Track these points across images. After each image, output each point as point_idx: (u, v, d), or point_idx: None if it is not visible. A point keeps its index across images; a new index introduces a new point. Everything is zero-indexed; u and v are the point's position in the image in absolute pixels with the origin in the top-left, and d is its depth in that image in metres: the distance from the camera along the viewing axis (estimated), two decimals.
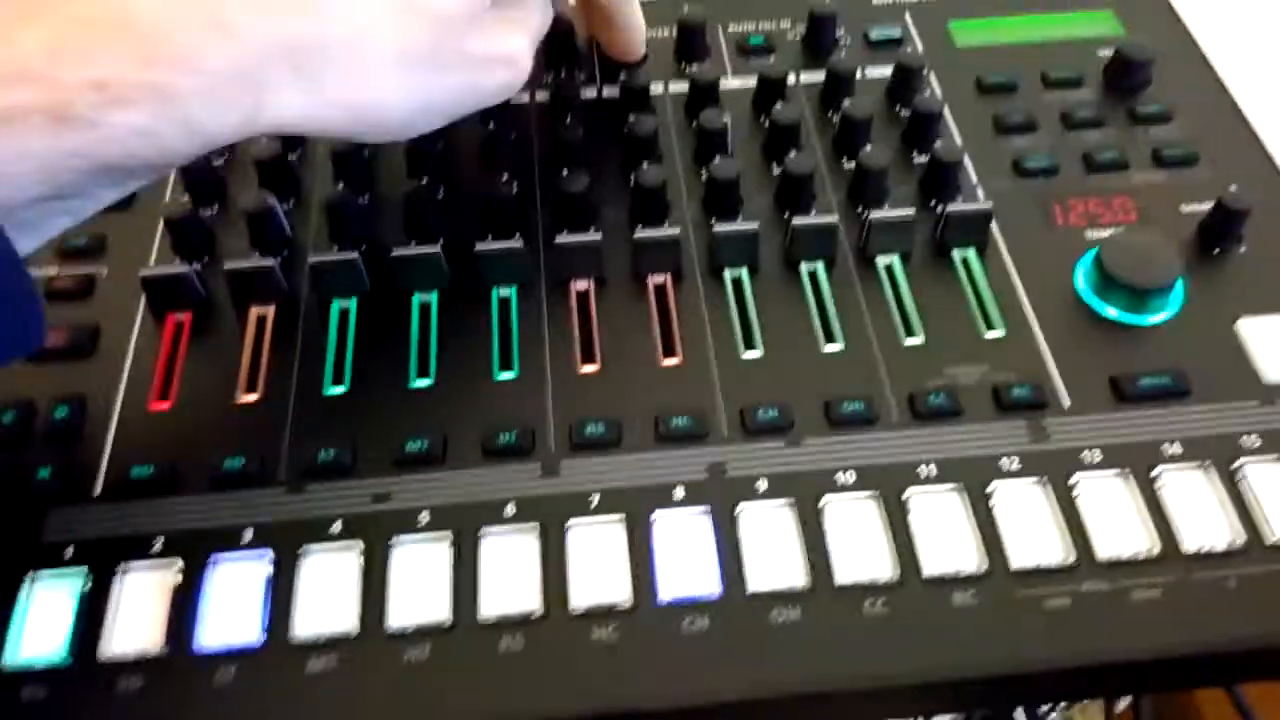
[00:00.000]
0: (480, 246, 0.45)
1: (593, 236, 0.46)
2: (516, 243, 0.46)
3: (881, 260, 0.47)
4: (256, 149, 0.49)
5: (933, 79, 0.55)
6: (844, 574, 0.37)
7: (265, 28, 0.34)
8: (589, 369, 0.44)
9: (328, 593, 0.38)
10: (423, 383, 0.43)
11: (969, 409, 0.42)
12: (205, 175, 0.50)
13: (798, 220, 0.46)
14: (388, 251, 0.46)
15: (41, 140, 0.31)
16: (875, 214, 0.46)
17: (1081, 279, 0.46)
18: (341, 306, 0.46)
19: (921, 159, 0.51)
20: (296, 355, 0.44)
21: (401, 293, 0.46)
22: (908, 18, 0.59)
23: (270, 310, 0.46)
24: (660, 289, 0.46)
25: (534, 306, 0.46)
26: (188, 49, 0.33)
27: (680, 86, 0.55)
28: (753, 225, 0.46)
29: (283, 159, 0.50)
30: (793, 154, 0.49)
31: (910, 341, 0.44)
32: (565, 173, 0.48)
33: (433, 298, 0.46)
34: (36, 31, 0.31)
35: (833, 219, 0.47)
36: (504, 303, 0.46)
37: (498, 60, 0.41)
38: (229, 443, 0.41)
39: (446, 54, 0.39)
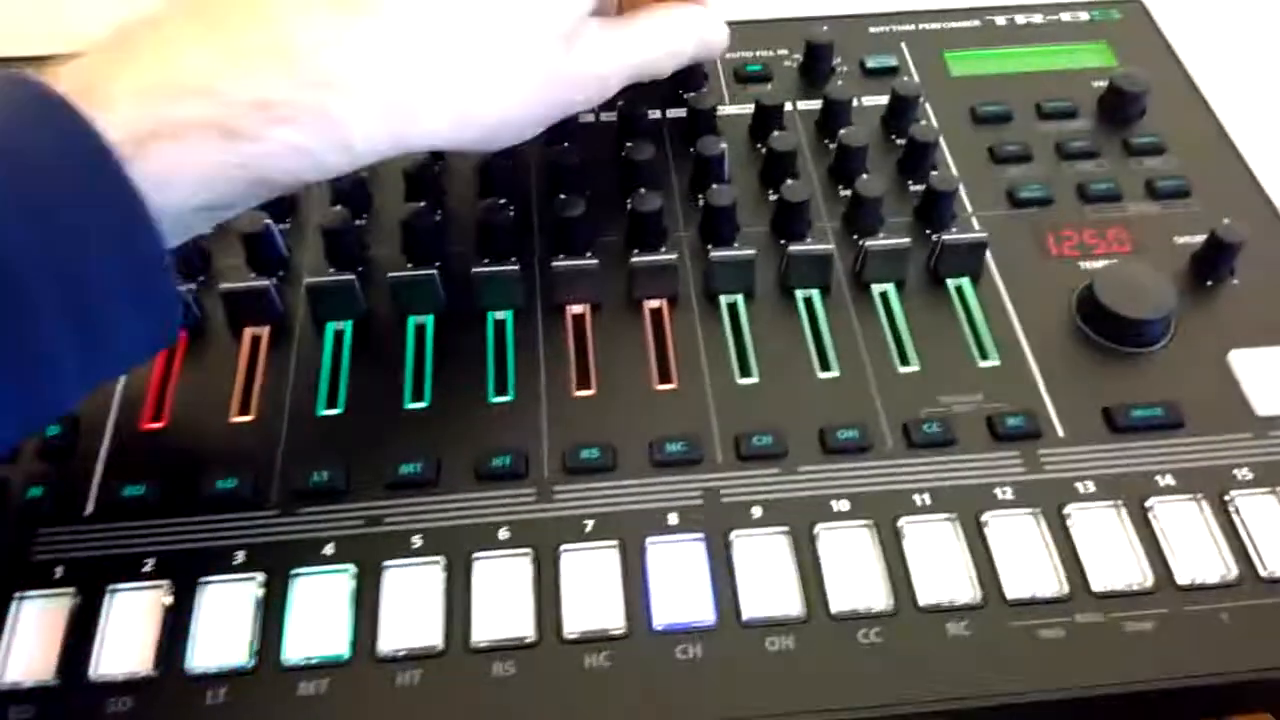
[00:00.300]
0: (476, 270, 0.45)
1: (589, 261, 0.46)
2: (513, 266, 0.46)
3: (877, 288, 0.47)
4: None
5: (928, 108, 0.56)
6: (839, 603, 0.37)
7: (416, 54, 0.37)
8: (584, 393, 0.44)
9: (319, 616, 0.38)
10: (417, 405, 0.43)
11: (963, 438, 0.42)
12: None
13: (794, 247, 0.46)
14: (384, 274, 0.46)
15: (210, 152, 0.33)
16: (871, 242, 0.46)
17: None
18: (336, 328, 0.46)
19: (917, 188, 0.51)
20: (290, 377, 0.44)
21: (397, 315, 0.46)
22: (903, 47, 0.59)
23: (265, 331, 0.46)
24: (656, 314, 0.46)
25: (530, 330, 0.46)
26: (344, 74, 0.35)
27: (678, 113, 0.55)
28: (749, 252, 0.46)
29: None
30: (789, 181, 0.49)
31: (905, 370, 0.44)
32: (562, 197, 0.48)
33: (428, 320, 0.46)
34: (207, 49, 0.34)
35: (829, 247, 0.47)
36: (499, 326, 0.46)
37: (591, 80, 0.43)
38: (222, 463, 0.41)
39: (555, 74, 0.41)
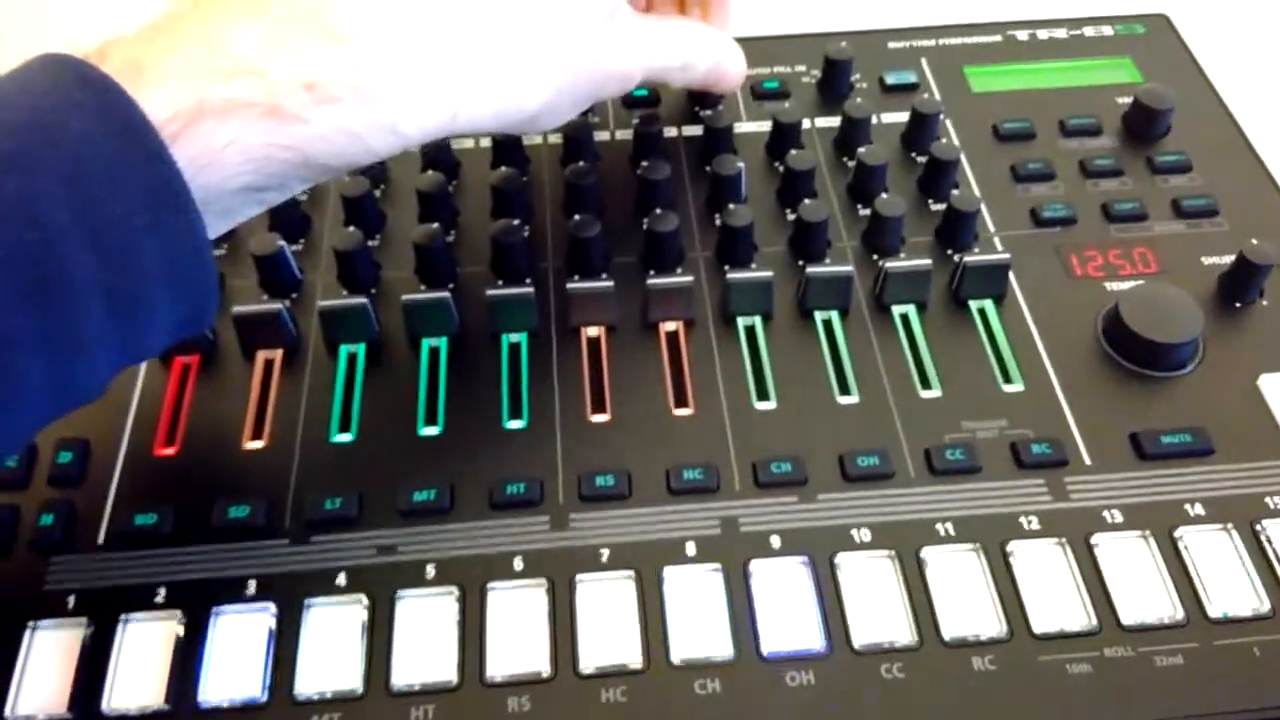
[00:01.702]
0: (491, 292, 0.45)
1: (604, 283, 0.45)
2: (527, 289, 0.45)
3: (897, 310, 0.46)
4: None
5: (949, 125, 0.55)
6: (860, 637, 0.37)
7: (467, 37, 0.36)
8: (600, 419, 0.43)
9: (331, 648, 0.37)
10: (431, 431, 0.43)
11: (987, 465, 0.41)
12: None
13: (812, 269, 0.46)
14: (397, 296, 0.45)
15: (255, 132, 0.33)
16: (891, 264, 0.46)
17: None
18: (350, 351, 0.45)
19: (938, 207, 0.50)
20: (303, 401, 0.44)
21: (411, 338, 0.46)
22: (923, 63, 0.59)
23: (278, 355, 0.45)
24: (672, 337, 0.46)
25: (544, 354, 0.45)
26: (392, 56, 0.35)
27: (694, 130, 0.55)
28: (767, 274, 0.46)
29: (292, 201, 0.49)
30: (807, 201, 0.48)
31: (927, 394, 0.44)
32: (577, 218, 0.48)
33: (442, 343, 0.46)
34: (253, 29, 0.33)
35: (848, 268, 0.46)
36: (514, 349, 0.45)
37: (618, 77, 0.43)
38: (234, 491, 0.41)
39: (597, 57, 0.41)
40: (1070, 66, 0.58)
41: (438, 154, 0.52)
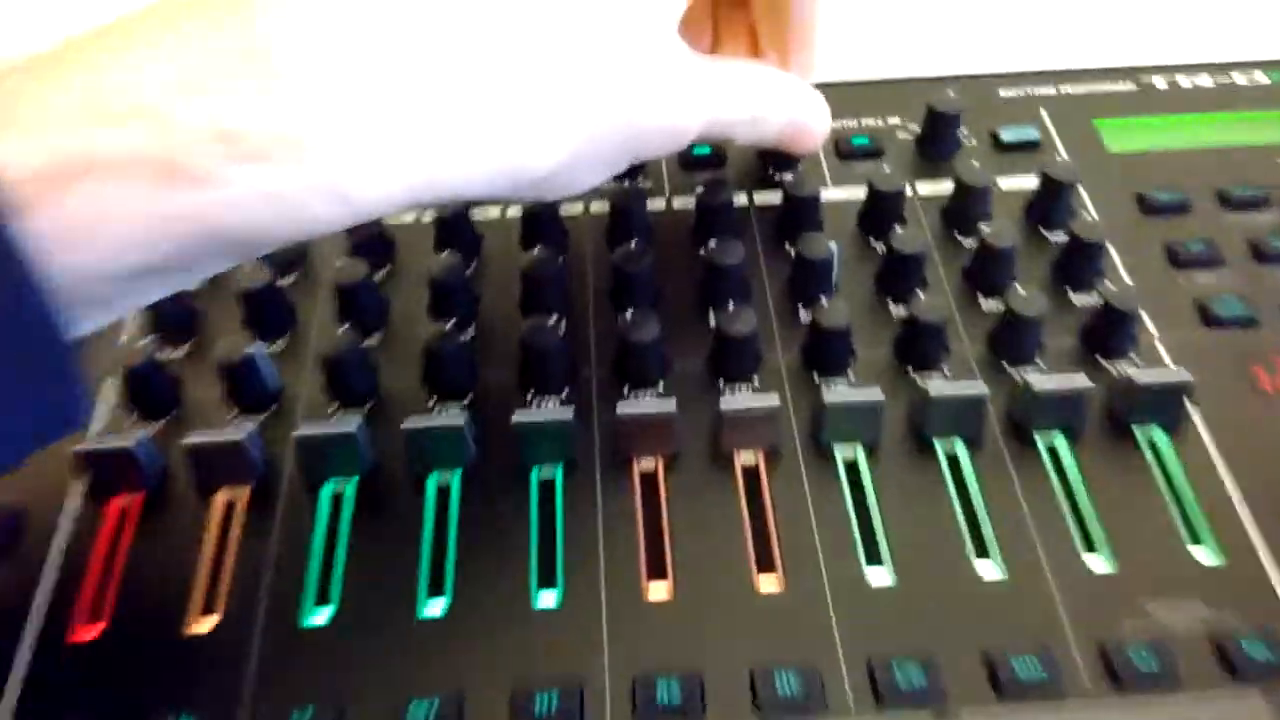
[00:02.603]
0: (518, 419, 0.35)
1: (664, 404, 0.35)
2: (564, 415, 0.35)
3: (1042, 440, 0.36)
4: (241, 275, 0.39)
5: (1082, 193, 0.45)
6: None
7: (447, 78, 0.28)
8: (659, 595, 0.32)
9: None
10: (434, 610, 0.32)
11: (1187, 672, 0.30)
12: (175, 305, 0.40)
13: (936, 389, 0.35)
14: (398, 410, 0.35)
15: (144, 198, 0.25)
16: (1039, 381, 0.35)
17: None
18: (334, 491, 0.35)
19: (1082, 300, 0.40)
20: (271, 562, 0.34)
21: (413, 471, 0.35)
22: (1044, 114, 0.48)
23: (244, 494, 0.35)
24: (751, 473, 0.35)
25: (585, 494, 0.35)
26: (333, 98, 0.26)
27: (769, 198, 0.45)
28: (875, 395, 0.35)
29: (272, 288, 0.40)
30: (921, 295, 0.38)
31: (1092, 561, 0.33)
32: (629, 316, 0.38)
33: (454, 479, 0.35)
34: (155, 60, 0.25)
35: (980, 389, 0.35)
36: (545, 489, 0.35)
37: (666, 132, 0.34)
38: (175, 693, 0.30)
39: (632, 123, 0.32)
40: (1222, 120, 0.48)
41: (454, 227, 0.42)
